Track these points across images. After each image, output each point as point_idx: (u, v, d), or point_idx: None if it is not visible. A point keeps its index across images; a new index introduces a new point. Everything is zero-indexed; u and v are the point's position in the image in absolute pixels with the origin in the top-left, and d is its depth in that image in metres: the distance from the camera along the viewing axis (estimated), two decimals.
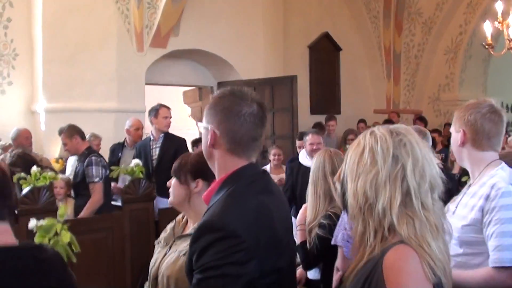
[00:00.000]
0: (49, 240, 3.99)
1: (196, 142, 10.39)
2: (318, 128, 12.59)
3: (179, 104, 15.32)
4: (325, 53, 15.14)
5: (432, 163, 2.39)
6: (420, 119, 14.21)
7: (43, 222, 4.05)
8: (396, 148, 2.34)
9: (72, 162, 8.37)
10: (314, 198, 4.75)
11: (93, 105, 10.93)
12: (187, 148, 8.78)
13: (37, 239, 3.99)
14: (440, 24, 15.77)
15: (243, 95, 2.66)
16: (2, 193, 2.46)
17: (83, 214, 7.71)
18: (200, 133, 2.65)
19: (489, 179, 3.37)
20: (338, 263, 4.29)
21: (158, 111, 8.58)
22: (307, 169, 5.23)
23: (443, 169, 6.62)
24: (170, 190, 3.60)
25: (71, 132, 8.08)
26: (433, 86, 16.32)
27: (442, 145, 11.55)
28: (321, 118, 13.54)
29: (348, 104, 15.49)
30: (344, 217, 4.14)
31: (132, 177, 7.82)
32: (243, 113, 2.61)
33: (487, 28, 9.89)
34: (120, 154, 9.40)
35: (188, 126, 15.69)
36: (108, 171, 8.12)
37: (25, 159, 7.84)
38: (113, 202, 8.32)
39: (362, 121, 14.11)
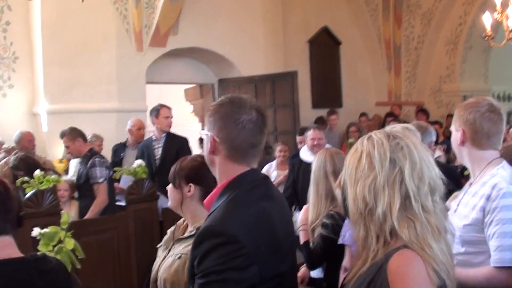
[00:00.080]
0: (53, 247, 4.00)
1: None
2: (320, 122, 12.64)
3: (181, 101, 15.35)
4: (325, 47, 15.14)
5: (431, 165, 2.39)
6: (421, 111, 14.18)
7: (46, 230, 4.05)
8: (393, 152, 2.34)
9: (74, 164, 8.40)
10: (316, 197, 4.75)
11: (94, 106, 10.97)
12: (189, 147, 8.78)
13: (40, 247, 4.00)
14: (439, 16, 15.72)
15: (242, 102, 2.69)
16: (4, 207, 2.49)
17: (89, 215, 7.75)
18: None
19: (490, 178, 3.37)
20: (346, 262, 4.30)
21: (159, 111, 8.59)
22: (308, 165, 5.22)
23: (442, 163, 6.65)
24: (168, 194, 3.65)
25: (74, 135, 8.10)
26: (434, 78, 16.29)
27: (444, 136, 11.54)
28: (322, 113, 13.56)
29: (349, 97, 15.51)
30: None
31: (135, 178, 7.85)
32: (242, 120, 2.63)
33: (487, 19, 9.87)
34: (122, 154, 9.44)
35: (190, 123, 15.72)
36: (111, 172, 8.15)
37: (27, 162, 7.85)
38: (116, 203, 8.36)
39: (363, 114, 14.08)
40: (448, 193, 2.49)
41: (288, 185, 8.05)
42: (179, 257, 3.38)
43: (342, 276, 4.24)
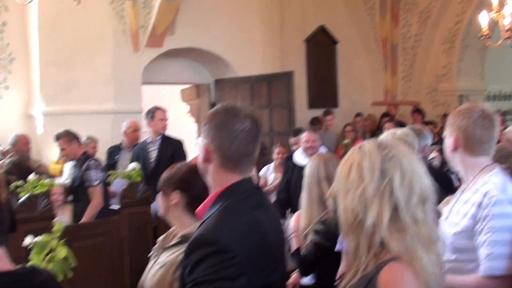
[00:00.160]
0: (45, 256, 3.99)
1: None
2: (315, 123, 12.63)
3: (177, 102, 15.34)
4: (321, 47, 15.09)
5: (422, 175, 2.38)
6: (417, 111, 14.18)
7: (38, 238, 4.04)
8: (383, 162, 2.33)
9: (68, 168, 8.37)
10: (308, 203, 4.74)
11: (90, 107, 10.94)
12: (184, 150, 8.76)
13: (33, 256, 4.00)
14: (436, 14, 15.70)
15: (236, 111, 2.70)
16: None
17: (85, 219, 7.73)
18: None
19: (482, 185, 3.37)
20: (343, 269, 4.27)
21: (154, 114, 8.59)
22: (302, 168, 5.21)
23: (435, 167, 6.65)
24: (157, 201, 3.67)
25: (70, 137, 8.09)
26: (431, 77, 16.27)
27: (438, 136, 11.52)
28: (318, 113, 13.54)
29: (345, 97, 15.47)
30: None
31: (130, 181, 7.83)
32: (235, 129, 2.64)
33: (483, 18, 9.86)
34: (117, 156, 9.43)
35: (187, 124, 15.71)
36: (106, 175, 8.14)
37: (20, 167, 7.86)
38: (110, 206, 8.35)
39: (359, 114, 14.04)
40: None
41: (281, 187, 7.97)
42: (162, 266, 3.38)
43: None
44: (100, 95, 11.09)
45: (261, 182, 9.47)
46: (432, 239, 2.33)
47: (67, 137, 8.06)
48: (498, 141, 8.24)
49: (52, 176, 8.91)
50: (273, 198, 8.22)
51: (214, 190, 2.72)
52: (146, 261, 3.64)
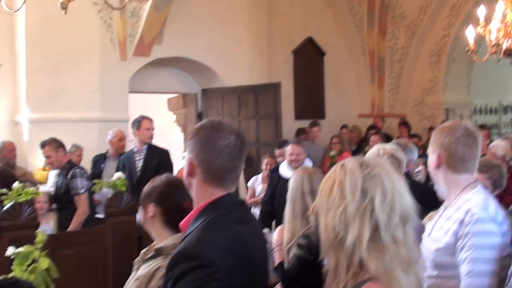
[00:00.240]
0: (28, 266, 3.98)
1: None
2: (301, 133, 12.65)
3: (164, 110, 15.32)
4: (309, 58, 15.13)
5: (404, 194, 2.37)
6: (403, 124, 14.24)
7: (21, 249, 4.03)
8: (364, 181, 2.33)
9: (52, 176, 8.35)
10: (292, 217, 4.75)
11: (77, 115, 10.89)
12: (170, 159, 8.76)
13: (15, 267, 3.99)
14: (424, 28, 15.77)
15: (221, 127, 2.72)
16: None
17: (72, 227, 7.75)
18: None
19: (464, 202, 3.39)
20: None
21: (141, 123, 8.59)
22: (287, 181, 5.21)
23: (420, 183, 6.68)
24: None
25: (56, 145, 8.09)
26: (417, 90, 16.33)
27: (423, 150, 11.57)
28: (305, 124, 13.55)
29: (332, 108, 15.50)
30: None
31: (115, 190, 7.82)
32: (219, 145, 2.66)
33: (470, 33, 9.91)
34: (102, 165, 9.41)
35: (173, 133, 15.69)
36: (91, 183, 8.12)
37: (4, 175, 7.86)
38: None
39: (344, 126, 14.07)
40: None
41: (265, 199, 7.92)
42: (137, 279, 3.39)
43: None
44: (87, 103, 11.05)
45: (249, 193, 9.48)
46: (411, 260, 2.33)
47: (54, 145, 8.06)
48: (483, 155, 8.29)
49: (38, 183, 8.92)
50: (259, 209, 8.22)
51: (198, 204, 2.72)
52: (130, 271, 3.64)
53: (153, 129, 8.72)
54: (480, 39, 10.58)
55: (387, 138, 11.03)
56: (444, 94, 15.95)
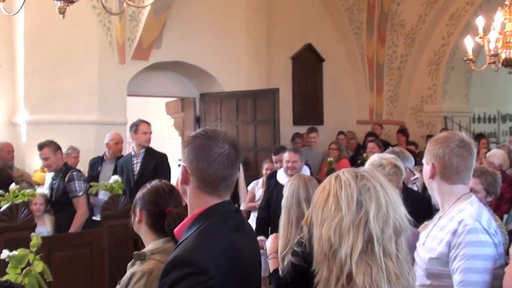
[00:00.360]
0: (22, 270, 3.99)
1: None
2: (297, 137, 12.67)
3: (162, 113, 15.33)
4: (308, 64, 15.17)
5: (398, 206, 2.38)
6: (401, 132, 14.27)
7: (15, 252, 4.04)
8: (360, 193, 2.33)
9: (49, 178, 8.36)
10: (287, 224, 4.74)
11: (75, 118, 10.89)
12: (167, 163, 8.76)
13: (9, 270, 4.00)
14: (423, 36, 15.84)
15: (215, 135, 2.74)
16: None
17: (72, 229, 7.79)
18: None
19: (458, 213, 3.40)
20: None
21: (138, 127, 8.60)
22: (283, 187, 5.22)
23: (416, 192, 6.69)
24: None
25: (55, 147, 8.11)
26: (416, 98, 16.40)
27: (419, 157, 11.59)
28: (303, 129, 13.55)
29: (330, 115, 15.53)
30: None
31: (112, 193, 7.83)
32: (213, 154, 2.67)
33: (468, 43, 9.94)
34: (99, 168, 9.41)
35: (171, 136, 15.70)
36: (88, 186, 8.14)
37: (1, 175, 7.88)
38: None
39: (341, 133, 14.07)
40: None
41: (262, 205, 7.92)
42: (119, 283, 3.40)
43: None
44: (85, 106, 11.05)
45: (249, 197, 9.49)
46: (400, 274, 2.32)
47: (52, 147, 8.08)
48: (480, 164, 8.31)
49: (35, 185, 8.95)
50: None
51: (192, 211, 2.74)
52: (125, 272, 3.66)
53: (150, 133, 8.73)
54: (479, 48, 10.65)
55: (384, 145, 11.06)
56: (442, 102, 16.02)
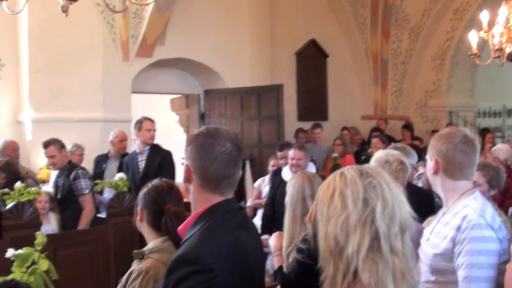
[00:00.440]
0: (27, 268, 4.01)
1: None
2: (300, 132, 12.67)
3: (167, 110, 15.35)
4: (312, 60, 15.13)
5: (403, 204, 2.39)
6: (406, 127, 14.24)
7: (20, 251, 4.06)
8: (365, 191, 2.34)
9: (53, 176, 8.39)
10: (292, 221, 4.74)
11: (79, 115, 10.92)
12: (172, 160, 8.75)
13: (14, 268, 4.01)
14: (427, 31, 15.78)
15: (217, 134, 2.74)
16: None
17: (81, 226, 7.85)
18: None
19: (461, 209, 3.40)
20: None
21: (142, 124, 8.60)
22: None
23: (419, 188, 6.69)
24: None
25: (60, 145, 8.14)
26: (420, 92, 16.35)
27: (425, 152, 11.58)
28: (308, 125, 13.54)
29: (335, 110, 15.50)
30: None
31: (117, 191, 7.85)
32: (215, 152, 2.68)
33: (473, 37, 9.92)
34: (104, 165, 9.43)
35: (176, 133, 15.71)
36: (93, 183, 8.17)
37: (11, 167, 8.00)
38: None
39: (345, 128, 14.05)
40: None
41: (267, 202, 7.94)
42: (119, 282, 3.42)
43: None
44: (89, 103, 11.07)
45: (255, 193, 9.49)
46: (405, 270, 2.33)
47: (58, 145, 8.11)
48: (485, 158, 8.29)
49: (40, 183, 8.97)
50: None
51: (195, 210, 2.75)
52: None
53: (154, 130, 8.72)
54: (483, 43, 10.61)
55: (389, 140, 11.05)
56: (447, 97, 15.98)
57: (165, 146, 9.16)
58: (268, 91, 12.60)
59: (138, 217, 3.59)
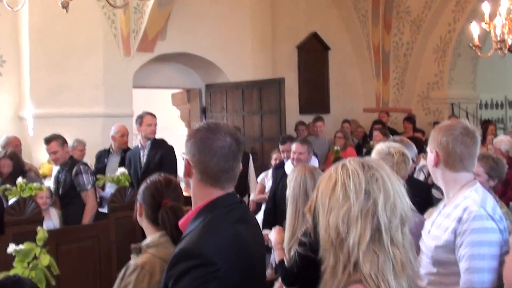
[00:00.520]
0: (28, 264, 4.02)
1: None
2: (300, 125, 12.66)
3: (168, 105, 15.35)
4: (313, 53, 15.12)
5: (403, 197, 2.38)
6: (407, 120, 14.23)
7: (22, 246, 4.07)
8: (368, 183, 2.33)
9: (55, 171, 8.40)
10: (293, 215, 4.74)
11: (81, 111, 10.93)
12: (173, 154, 8.72)
13: (16, 264, 4.03)
14: (428, 23, 15.75)
15: (217, 128, 2.74)
16: None
17: (84, 221, 7.86)
18: None
19: (462, 200, 3.40)
20: None
21: (143, 119, 8.58)
22: None
23: (418, 181, 6.69)
24: None
25: (62, 141, 8.14)
26: (422, 85, 16.33)
27: (426, 144, 11.57)
28: (309, 118, 13.54)
29: (337, 103, 15.50)
30: None
31: (118, 186, 7.86)
32: (214, 147, 2.69)
33: (474, 29, 9.92)
34: (106, 160, 9.43)
35: (178, 127, 15.71)
36: (95, 178, 8.18)
37: (17, 159, 8.10)
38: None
39: (346, 121, 14.03)
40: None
41: (270, 196, 7.90)
42: (118, 277, 3.43)
43: None
44: (91, 99, 11.08)
45: (258, 188, 9.48)
46: (405, 262, 2.34)
47: (60, 140, 8.11)
48: (487, 149, 8.28)
49: (43, 177, 9.00)
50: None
51: (195, 204, 2.76)
52: None
53: (155, 125, 8.69)
54: (485, 34, 10.60)
55: (391, 132, 11.04)
56: (449, 88, 15.95)
57: (166, 140, 9.14)
58: (269, 85, 12.59)
59: (137, 212, 3.58)
